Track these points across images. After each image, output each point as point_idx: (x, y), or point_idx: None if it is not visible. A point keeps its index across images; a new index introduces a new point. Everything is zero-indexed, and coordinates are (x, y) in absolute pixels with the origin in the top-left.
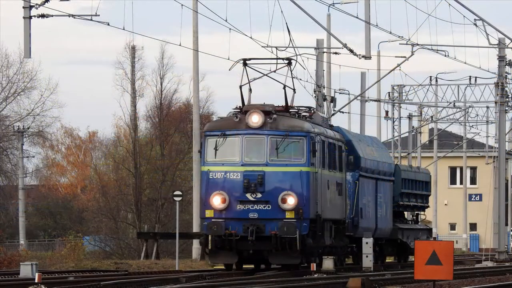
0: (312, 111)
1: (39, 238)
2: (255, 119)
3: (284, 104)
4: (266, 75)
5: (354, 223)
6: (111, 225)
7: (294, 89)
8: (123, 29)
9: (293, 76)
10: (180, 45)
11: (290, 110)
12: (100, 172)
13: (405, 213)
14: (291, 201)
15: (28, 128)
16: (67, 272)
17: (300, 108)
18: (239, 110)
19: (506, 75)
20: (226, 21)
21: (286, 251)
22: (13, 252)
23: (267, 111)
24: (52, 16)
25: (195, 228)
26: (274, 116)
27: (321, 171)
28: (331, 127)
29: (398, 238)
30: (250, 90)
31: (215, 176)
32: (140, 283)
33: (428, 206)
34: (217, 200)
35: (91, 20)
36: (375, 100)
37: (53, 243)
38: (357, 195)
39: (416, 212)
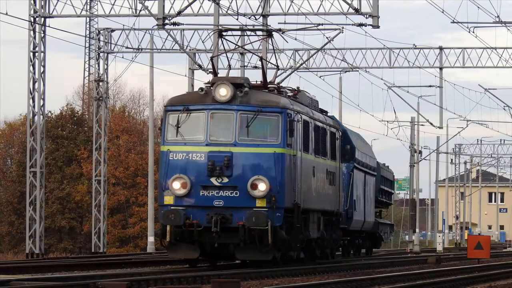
0: (297, 90)
1: None
2: (223, 92)
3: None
4: (241, 47)
5: (348, 216)
6: None
7: (277, 65)
8: None
9: (275, 49)
10: None
11: (269, 86)
12: None
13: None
14: (262, 187)
15: None
16: None
17: (286, 87)
18: (209, 85)
19: None
20: None
21: (255, 245)
22: None
23: (238, 84)
24: None
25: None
26: (246, 89)
27: (302, 154)
28: (323, 112)
29: (377, 232)
30: (230, 66)
31: (175, 157)
32: None
33: (391, 204)
34: (176, 185)
35: None
36: (445, 153)
37: None
38: (351, 187)
39: (380, 209)
